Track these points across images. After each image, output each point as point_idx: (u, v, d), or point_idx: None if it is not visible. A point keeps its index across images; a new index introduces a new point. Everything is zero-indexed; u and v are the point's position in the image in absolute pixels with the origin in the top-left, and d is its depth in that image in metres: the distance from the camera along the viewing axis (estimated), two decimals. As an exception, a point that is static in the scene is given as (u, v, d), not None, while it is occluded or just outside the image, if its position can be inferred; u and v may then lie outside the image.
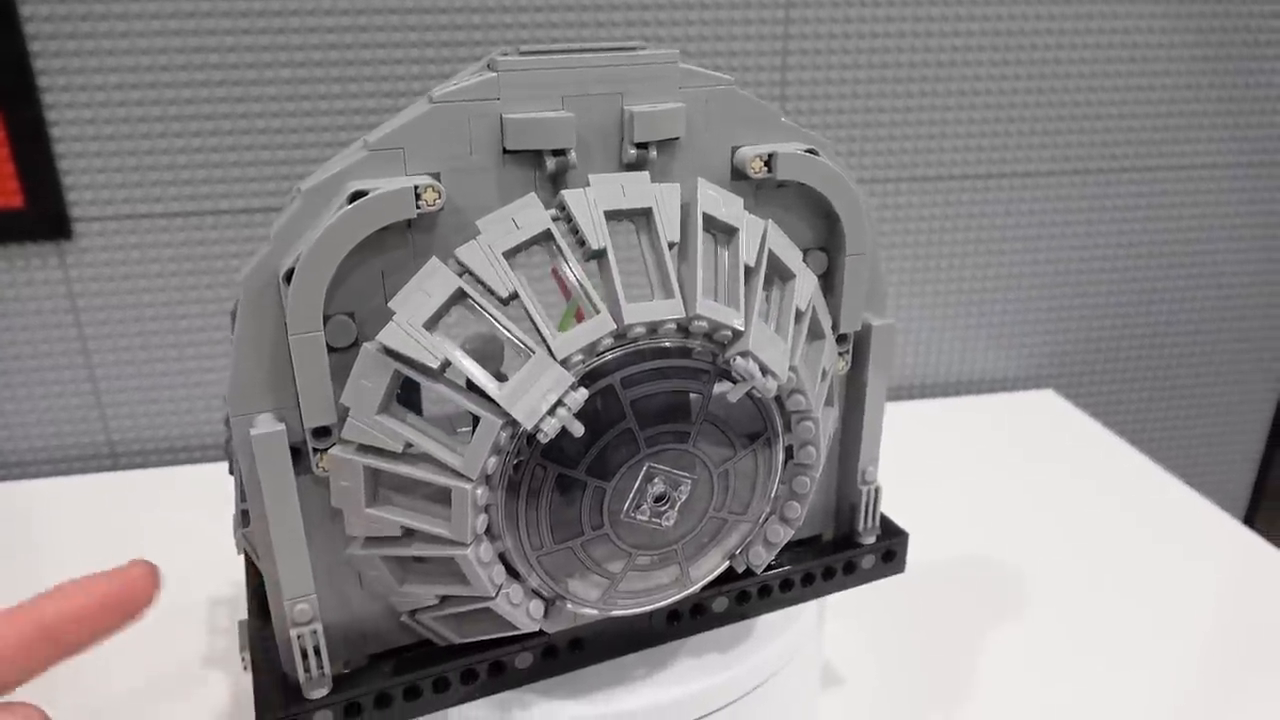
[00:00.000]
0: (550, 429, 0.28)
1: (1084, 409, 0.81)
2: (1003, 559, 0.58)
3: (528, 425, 0.28)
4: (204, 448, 0.73)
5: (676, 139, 0.32)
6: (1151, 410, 0.88)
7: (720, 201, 0.32)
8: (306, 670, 0.31)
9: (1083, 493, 0.65)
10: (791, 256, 0.33)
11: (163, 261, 0.66)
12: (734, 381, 0.31)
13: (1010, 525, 0.61)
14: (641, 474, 0.31)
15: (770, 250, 0.32)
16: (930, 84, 0.71)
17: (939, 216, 0.76)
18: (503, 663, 0.34)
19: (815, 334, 0.34)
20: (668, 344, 0.30)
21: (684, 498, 0.31)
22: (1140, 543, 0.59)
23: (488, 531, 0.30)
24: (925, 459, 0.68)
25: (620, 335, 0.29)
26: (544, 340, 0.28)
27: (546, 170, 0.30)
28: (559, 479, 0.30)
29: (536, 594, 0.32)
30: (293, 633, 0.31)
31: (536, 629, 0.32)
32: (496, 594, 0.30)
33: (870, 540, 0.40)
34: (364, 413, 0.29)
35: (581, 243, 0.29)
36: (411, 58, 0.64)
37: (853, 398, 0.38)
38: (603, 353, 0.29)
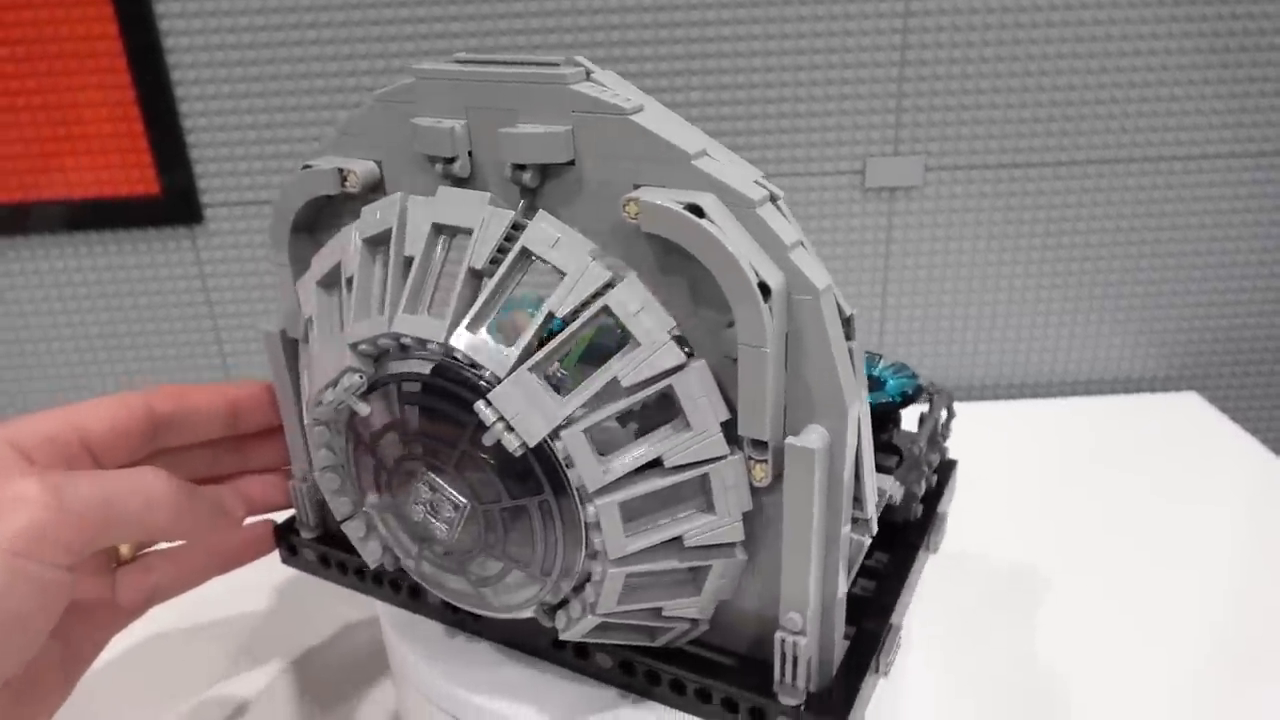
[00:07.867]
0: (332, 399, 0.32)
1: (1228, 414, 0.73)
2: (1128, 568, 0.55)
3: (317, 387, 0.32)
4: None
5: (570, 166, 0.30)
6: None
7: (553, 242, 0.29)
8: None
9: (1219, 502, 0.60)
10: (639, 322, 0.28)
11: None
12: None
13: (1137, 533, 0.58)
14: (416, 476, 0.32)
15: (608, 307, 0.28)
16: (1069, 60, 0.66)
17: (1076, 204, 0.71)
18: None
19: (664, 419, 0.29)
20: (442, 363, 0.30)
21: (447, 515, 0.31)
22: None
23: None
24: (1051, 461, 0.65)
25: (396, 339, 0.30)
26: (342, 322, 0.32)
27: (439, 174, 0.32)
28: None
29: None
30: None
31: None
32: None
33: (789, 701, 0.32)
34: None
35: (408, 246, 0.31)
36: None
37: (767, 519, 0.30)
38: (386, 351, 0.31)
